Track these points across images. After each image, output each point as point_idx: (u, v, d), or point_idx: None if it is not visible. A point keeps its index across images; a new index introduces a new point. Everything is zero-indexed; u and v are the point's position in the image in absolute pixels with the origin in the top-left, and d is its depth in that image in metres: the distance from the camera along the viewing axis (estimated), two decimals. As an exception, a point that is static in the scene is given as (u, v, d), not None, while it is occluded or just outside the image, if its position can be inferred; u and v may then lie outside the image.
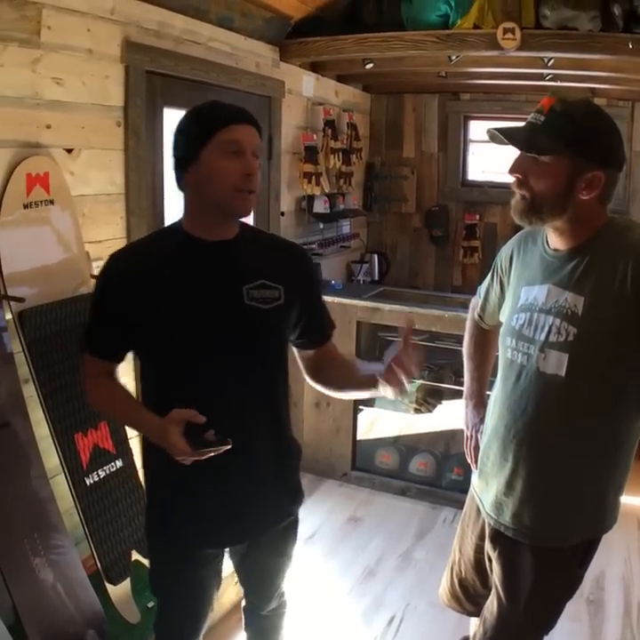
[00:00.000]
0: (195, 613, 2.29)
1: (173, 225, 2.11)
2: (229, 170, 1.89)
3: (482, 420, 2.49)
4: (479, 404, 2.60)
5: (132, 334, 2.02)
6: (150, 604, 2.93)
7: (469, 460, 2.59)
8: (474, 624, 2.52)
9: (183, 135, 1.96)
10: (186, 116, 2.00)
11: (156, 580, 2.29)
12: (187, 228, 2.02)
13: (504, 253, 2.37)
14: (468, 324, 2.67)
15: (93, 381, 2.15)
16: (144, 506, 2.36)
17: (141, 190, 3.43)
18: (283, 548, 2.35)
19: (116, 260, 2.07)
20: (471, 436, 2.60)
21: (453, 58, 4.46)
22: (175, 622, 2.30)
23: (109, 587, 2.90)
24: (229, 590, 3.17)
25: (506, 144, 2.01)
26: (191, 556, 2.18)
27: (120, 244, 3.22)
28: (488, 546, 2.27)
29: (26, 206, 2.77)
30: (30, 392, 2.77)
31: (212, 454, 1.85)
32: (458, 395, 5.67)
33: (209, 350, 1.98)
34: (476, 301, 2.61)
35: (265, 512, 2.20)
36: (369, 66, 4.73)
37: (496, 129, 1.98)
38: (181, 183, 2.00)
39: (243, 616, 2.56)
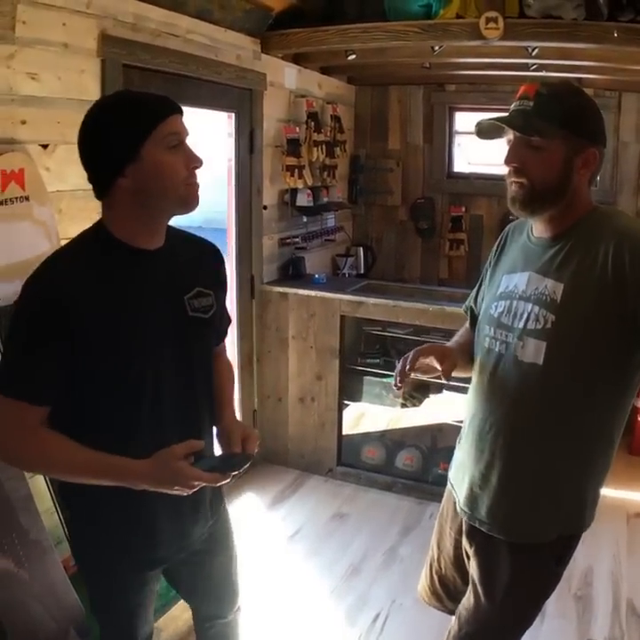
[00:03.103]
0: (138, 633, 2.20)
1: (97, 231, 1.87)
2: (176, 164, 1.78)
3: (440, 357, 2.17)
4: (449, 346, 2.39)
5: (73, 367, 1.76)
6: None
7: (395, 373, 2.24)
8: (456, 622, 2.50)
9: (112, 135, 1.75)
10: (107, 113, 1.79)
11: (97, 605, 2.18)
12: (120, 237, 1.83)
13: (493, 249, 2.34)
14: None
15: (30, 435, 1.77)
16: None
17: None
18: (225, 539, 2.30)
19: (45, 277, 1.79)
20: (413, 356, 2.20)
21: (436, 48, 4.40)
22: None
23: (90, 587, 2.87)
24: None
25: (491, 138, 2.03)
26: (137, 579, 2.09)
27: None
28: (465, 541, 2.25)
29: (0, 203, 2.72)
30: (7, 392, 2.72)
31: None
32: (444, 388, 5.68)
33: (161, 368, 1.88)
34: (466, 307, 2.51)
35: (206, 509, 2.14)
36: (351, 57, 4.66)
37: (490, 118, 1.98)
38: (109, 189, 1.79)
39: (198, 633, 2.48)
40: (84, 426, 1.81)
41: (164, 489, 1.76)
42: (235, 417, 2.16)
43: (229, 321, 2.32)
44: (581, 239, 1.93)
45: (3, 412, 1.78)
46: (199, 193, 1.87)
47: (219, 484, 1.82)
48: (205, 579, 2.26)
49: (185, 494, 1.78)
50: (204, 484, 1.77)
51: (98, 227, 1.88)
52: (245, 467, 1.85)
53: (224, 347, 2.34)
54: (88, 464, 1.77)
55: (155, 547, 2.02)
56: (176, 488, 1.75)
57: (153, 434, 1.79)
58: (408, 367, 2.14)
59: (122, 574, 2.04)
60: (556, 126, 1.88)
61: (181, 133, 1.81)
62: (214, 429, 2.11)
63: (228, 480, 1.80)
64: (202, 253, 2.11)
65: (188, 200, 1.84)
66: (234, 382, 2.34)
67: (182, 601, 2.57)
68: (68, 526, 2.11)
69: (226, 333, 2.30)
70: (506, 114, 1.97)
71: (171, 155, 1.77)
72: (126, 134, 1.74)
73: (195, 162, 1.83)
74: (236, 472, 1.81)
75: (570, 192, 1.93)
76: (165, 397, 1.89)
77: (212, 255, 2.15)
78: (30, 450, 1.80)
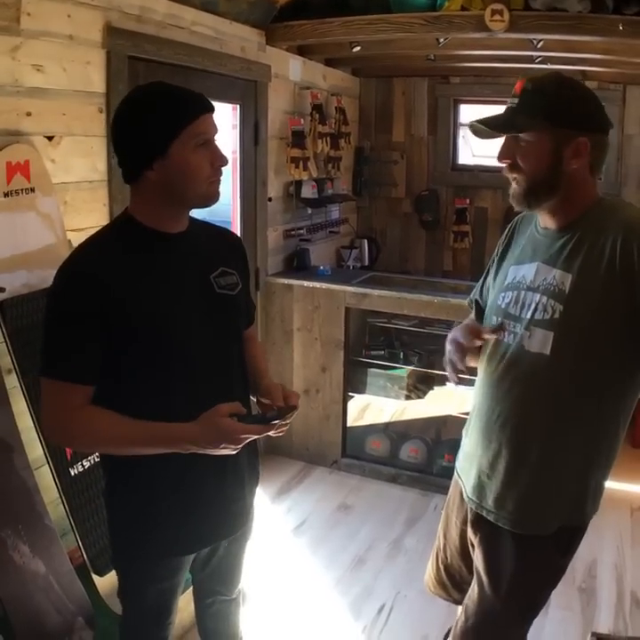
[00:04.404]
0: (166, 622, 2.22)
1: (124, 219, 1.95)
2: (202, 164, 1.83)
3: (474, 333, 2.19)
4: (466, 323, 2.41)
5: (112, 344, 1.81)
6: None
7: (450, 370, 2.25)
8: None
9: (142, 130, 1.80)
10: (140, 107, 1.84)
11: (125, 588, 2.19)
12: (145, 222, 1.90)
13: (500, 240, 2.35)
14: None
15: (80, 414, 1.82)
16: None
17: (124, 177, 3.36)
18: (251, 528, 2.33)
19: (81, 260, 1.85)
20: (459, 356, 2.20)
21: (441, 40, 4.40)
22: (144, 631, 2.23)
23: (96, 578, 2.87)
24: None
25: (490, 137, 2.04)
26: (171, 563, 2.11)
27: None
28: (469, 531, 2.26)
29: (6, 195, 2.72)
30: (13, 383, 2.73)
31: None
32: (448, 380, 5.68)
33: (194, 344, 1.93)
34: (470, 299, 2.53)
35: (248, 495, 2.20)
36: (356, 49, 4.66)
37: (476, 120, 2.00)
38: (137, 178, 1.86)
39: (198, 608, 2.49)
40: (125, 400, 1.85)
41: (211, 449, 1.81)
42: (273, 381, 2.19)
43: (254, 307, 2.38)
44: (589, 230, 1.94)
45: (49, 394, 1.83)
46: (219, 189, 1.93)
47: (264, 434, 1.86)
48: (220, 558, 2.28)
49: (232, 453, 1.83)
50: (251, 438, 1.82)
51: (124, 213, 1.96)
52: (290, 418, 1.91)
53: (254, 332, 2.40)
54: (135, 435, 1.83)
55: (192, 532, 2.04)
56: (223, 446, 1.79)
57: (190, 407, 1.82)
58: (461, 367, 2.17)
59: (156, 557, 2.06)
60: (540, 119, 1.89)
61: (210, 132, 1.86)
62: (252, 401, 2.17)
63: (275, 431, 1.87)
64: (224, 238, 2.22)
65: (209, 197, 1.91)
66: (267, 363, 2.41)
67: (187, 592, 2.57)
68: (107, 506, 2.12)
69: (253, 318, 2.35)
70: (498, 113, 2.00)
71: (197, 153, 1.82)
72: (156, 132, 1.79)
73: (220, 160, 1.88)
74: (279, 422, 1.87)
75: (563, 183, 1.94)
76: (201, 372, 1.94)
77: (233, 240, 2.27)
78: (78, 429, 1.84)
